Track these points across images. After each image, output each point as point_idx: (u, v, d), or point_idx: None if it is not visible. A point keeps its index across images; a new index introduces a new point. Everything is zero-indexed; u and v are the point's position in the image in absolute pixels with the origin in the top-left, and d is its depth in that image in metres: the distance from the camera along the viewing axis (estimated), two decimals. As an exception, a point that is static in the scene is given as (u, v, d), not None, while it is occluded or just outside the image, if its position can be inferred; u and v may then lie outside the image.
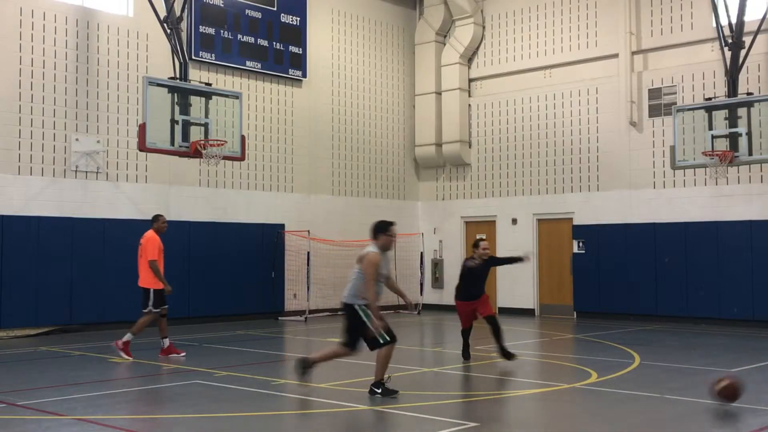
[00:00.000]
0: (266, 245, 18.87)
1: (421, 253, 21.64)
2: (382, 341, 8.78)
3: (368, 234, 9.13)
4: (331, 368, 11.38)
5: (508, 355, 11.45)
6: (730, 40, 15.91)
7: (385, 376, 8.84)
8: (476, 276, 11.79)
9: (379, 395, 8.76)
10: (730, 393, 8.26)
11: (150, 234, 12.42)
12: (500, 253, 20.64)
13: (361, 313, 8.84)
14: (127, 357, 11.87)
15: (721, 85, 17.17)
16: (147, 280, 12.24)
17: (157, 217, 12.60)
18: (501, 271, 20.53)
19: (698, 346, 13.99)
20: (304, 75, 19.89)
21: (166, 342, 12.39)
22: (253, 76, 19.00)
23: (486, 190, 21.58)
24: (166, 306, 12.41)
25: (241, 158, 15.00)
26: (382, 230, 9.04)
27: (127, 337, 12.07)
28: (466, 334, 12.05)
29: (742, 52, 15.90)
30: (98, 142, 16.35)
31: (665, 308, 18.07)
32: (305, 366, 9.31)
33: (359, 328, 8.88)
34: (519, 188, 20.91)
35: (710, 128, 15.27)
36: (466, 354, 11.97)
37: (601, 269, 19.07)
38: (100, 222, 16.19)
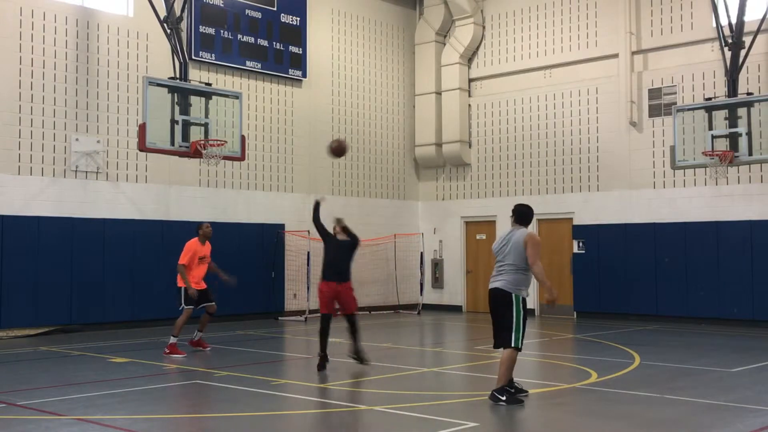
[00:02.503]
0: (266, 245, 18.86)
1: (421, 253, 21.64)
2: (514, 344, 8.48)
3: (513, 218, 8.90)
4: (331, 369, 11.38)
5: (361, 359, 10.79)
6: (730, 40, 15.92)
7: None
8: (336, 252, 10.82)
9: (503, 403, 8.32)
10: (338, 149, 10.52)
11: (190, 241, 12.80)
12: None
13: (515, 305, 8.54)
14: (179, 355, 12.15)
15: (721, 85, 17.18)
16: (179, 280, 12.67)
17: (199, 225, 13.07)
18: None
19: (698, 346, 13.98)
20: (304, 75, 19.89)
21: (198, 335, 12.93)
22: (253, 76, 19.00)
23: (486, 190, 21.58)
24: (213, 304, 12.88)
25: (241, 158, 15.00)
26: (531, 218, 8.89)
27: (172, 340, 12.36)
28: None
29: (742, 52, 15.91)
30: (98, 142, 16.35)
31: (665, 308, 18.06)
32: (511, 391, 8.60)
33: (505, 318, 8.52)
34: (519, 188, 20.90)
35: (710, 128, 15.27)
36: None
37: (601, 269, 19.07)
38: (100, 222, 16.19)
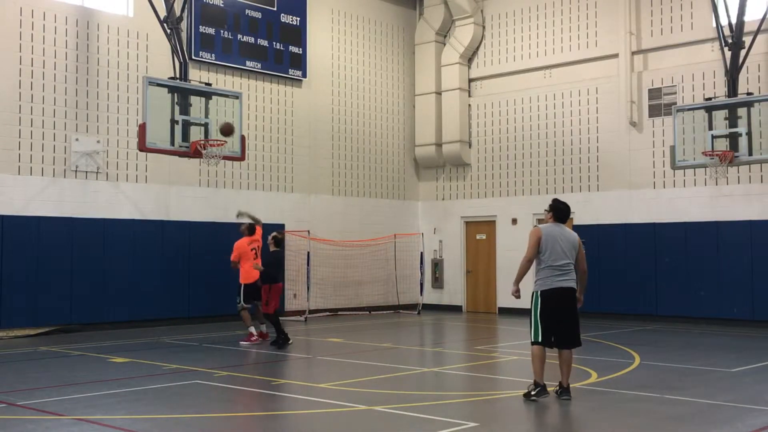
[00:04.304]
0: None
1: (421, 253, 21.63)
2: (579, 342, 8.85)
3: (550, 214, 8.90)
4: (331, 368, 11.39)
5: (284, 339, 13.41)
6: (730, 40, 15.91)
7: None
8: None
9: (567, 399, 8.59)
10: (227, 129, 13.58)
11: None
12: (499, 252, 20.78)
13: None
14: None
15: (721, 85, 17.18)
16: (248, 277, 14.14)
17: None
18: (502, 270, 20.54)
19: (698, 346, 13.99)
20: (304, 75, 19.89)
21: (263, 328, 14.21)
22: (253, 76, 19.00)
23: (486, 190, 21.58)
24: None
25: (241, 158, 15.01)
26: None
27: (263, 328, 13.99)
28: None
29: (742, 52, 15.91)
30: (98, 142, 16.35)
31: (665, 308, 18.06)
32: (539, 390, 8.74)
33: (575, 318, 8.74)
34: (519, 188, 20.90)
35: (710, 128, 15.27)
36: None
37: (601, 269, 19.05)
38: (100, 222, 16.19)
